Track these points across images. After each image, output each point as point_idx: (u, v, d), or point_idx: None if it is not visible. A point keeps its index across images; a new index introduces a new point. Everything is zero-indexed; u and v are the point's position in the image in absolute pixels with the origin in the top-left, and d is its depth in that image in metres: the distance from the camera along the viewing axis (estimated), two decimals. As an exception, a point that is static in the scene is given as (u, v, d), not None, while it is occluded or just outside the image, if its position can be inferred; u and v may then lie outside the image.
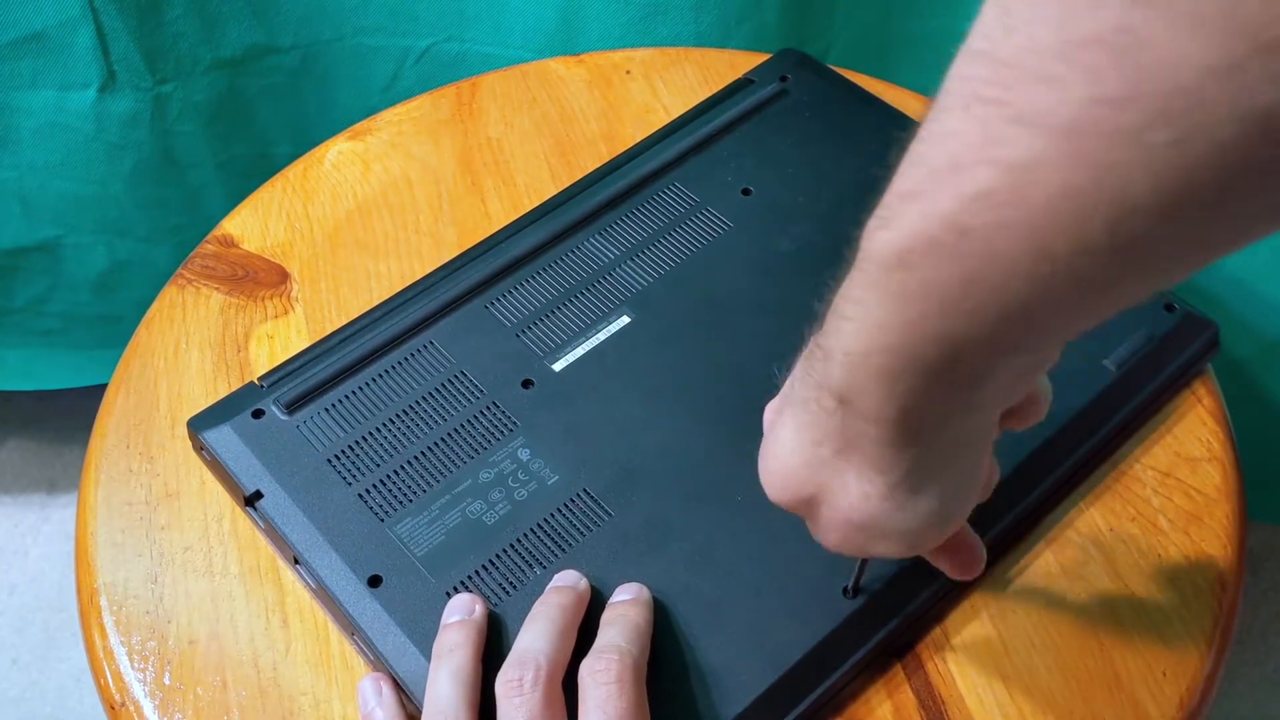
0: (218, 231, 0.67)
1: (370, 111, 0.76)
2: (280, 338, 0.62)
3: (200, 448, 0.56)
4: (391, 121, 0.72)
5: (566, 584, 0.49)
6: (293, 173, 0.70)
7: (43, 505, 1.17)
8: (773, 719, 0.48)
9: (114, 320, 1.00)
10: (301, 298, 0.64)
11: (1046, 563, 0.54)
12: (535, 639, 0.46)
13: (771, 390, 0.55)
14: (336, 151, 0.71)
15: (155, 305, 0.64)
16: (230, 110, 0.90)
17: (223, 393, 0.59)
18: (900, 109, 0.70)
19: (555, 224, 0.63)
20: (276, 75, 0.90)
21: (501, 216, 0.67)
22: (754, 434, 0.54)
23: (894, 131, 0.68)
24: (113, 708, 0.50)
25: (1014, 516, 0.54)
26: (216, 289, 0.64)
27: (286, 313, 0.63)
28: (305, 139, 0.93)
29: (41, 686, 1.06)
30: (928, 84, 0.73)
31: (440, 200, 0.68)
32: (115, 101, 0.84)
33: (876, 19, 0.86)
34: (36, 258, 0.94)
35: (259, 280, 0.65)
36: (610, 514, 0.53)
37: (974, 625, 0.53)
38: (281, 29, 0.87)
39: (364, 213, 0.68)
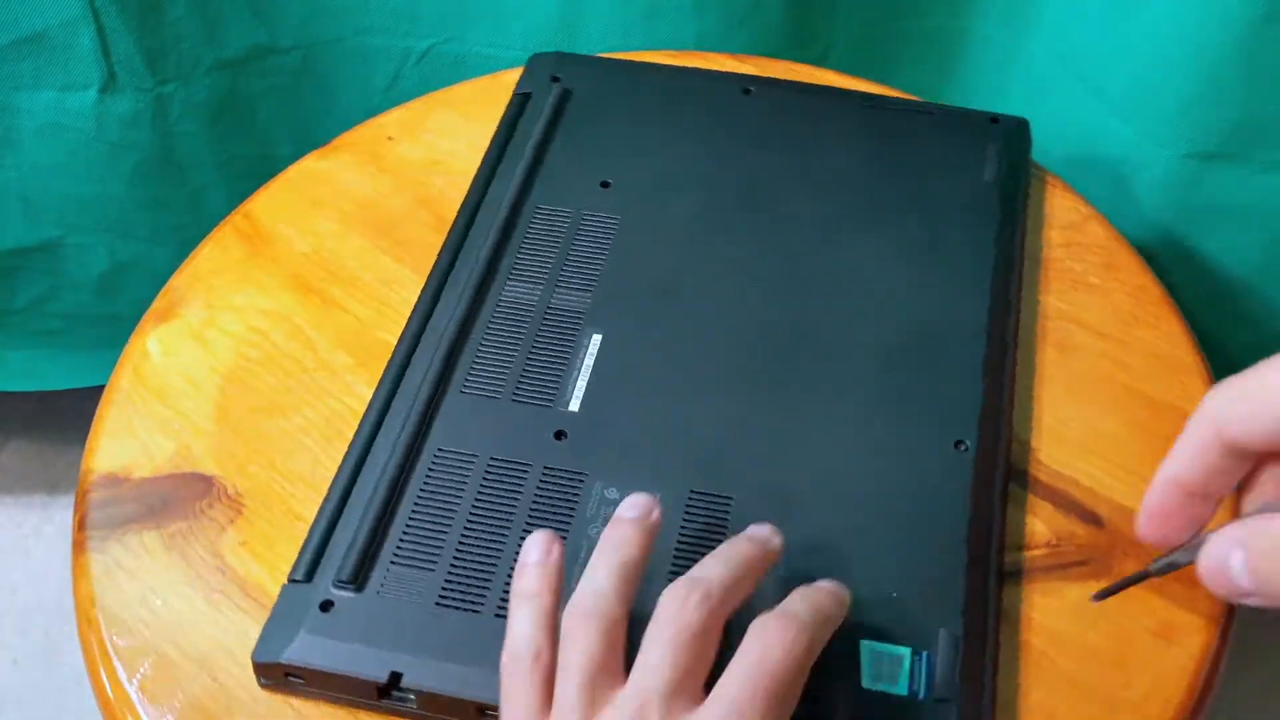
0: (94, 475, 0.57)
1: (372, 112, 0.76)
2: (253, 538, 0.55)
3: (289, 674, 0.49)
4: (194, 290, 0.65)
5: (760, 535, 0.48)
6: (127, 381, 0.61)
7: (44, 506, 1.17)
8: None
9: (116, 320, 1.00)
10: (243, 489, 0.56)
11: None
12: (711, 569, 0.44)
13: (760, 345, 0.59)
14: (156, 342, 0.62)
15: (98, 567, 0.54)
16: (231, 111, 0.90)
17: (237, 625, 0.52)
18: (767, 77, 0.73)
19: (464, 290, 0.61)
20: (278, 76, 0.90)
21: (376, 318, 0.63)
22: (770, 382, 0.57)
23: (679, 89, 0.71)
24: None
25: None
26: (144, 530, 0.55)
27: (240, 512, 0.56)
28: (306, 139, 0.93)
29: (43, 687, 1.06)
30: (929, 84, 0.73)
31: (303, 334, 0.63)
32: (116, 102, 0.84)
33: (877, 19, 0.86)
34: (38, 258, 0.94)
35: (183, 498, 0.56)
36: (729, 497, 0.53)
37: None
38: (283, 29, 0.88)
39: (240, 383, 0.61)
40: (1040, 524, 0.55)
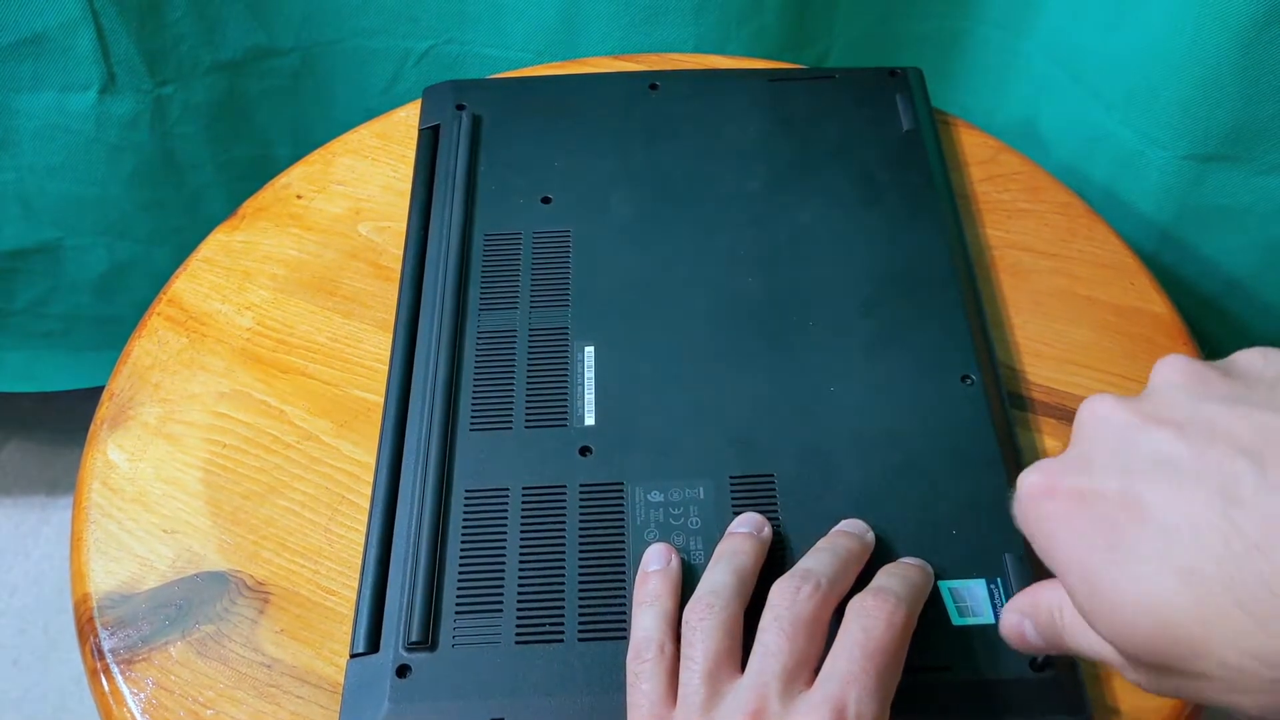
0: (94, 599, 0.53)
1: (371, 113, 0.76)
2: (290, 624, 0.52)
3: None
4: (140, 389, 0.60)
5: (856, 529, 0.51)
6: (99, 496, 0.57)
7: (43, 506, 1.17)
8: None
9: (115, 322, 1.00)
10: (262, 578, 0.54)
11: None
12: (818, 562, 0.47)
13: (749, 322, 0.59)
14: (118, 450, 0.58)
15: (132, 692, 0.50)
16: (230, 112, 0.90)
17: (305, 714, 0.50)
18: None
19: (439, 330, 0.59)
20: (277, 77, 0.90)
21: (345, 377, 0.61)
22: (771, 355, 0.58)
23: (585, 97, 0.71)
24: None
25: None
26: (170, 643, 0.52)
27: (267, 600, 0.53)
28: (305, 140, 0.93)
29: (42, 688, 1.06)
30: (928, 85, 0.73)
31: (272, 409, 0.60)
32: (116, 103, 0.84)
33: (876, 20, 0.86)
34: (37, 259, 0.94)
35: (201, 601, 0.53)
36: (770, 474, 0.54)
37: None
38: (282, 31, 0.88)
39: (223, 472, 0.58)
40: (1049, 439, 0.58)
